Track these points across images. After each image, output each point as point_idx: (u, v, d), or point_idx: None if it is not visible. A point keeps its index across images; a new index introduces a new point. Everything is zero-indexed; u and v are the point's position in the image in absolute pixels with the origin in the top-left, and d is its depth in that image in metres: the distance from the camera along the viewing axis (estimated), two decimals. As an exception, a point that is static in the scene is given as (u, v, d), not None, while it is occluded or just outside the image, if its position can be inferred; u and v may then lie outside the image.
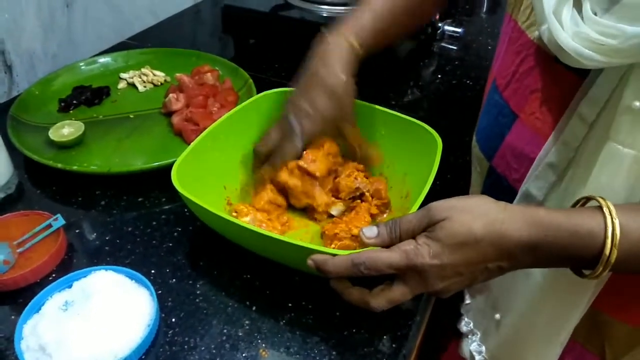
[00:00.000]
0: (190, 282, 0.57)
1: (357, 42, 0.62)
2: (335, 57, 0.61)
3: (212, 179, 0.63)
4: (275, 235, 0.49)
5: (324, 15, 0.95)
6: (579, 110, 0.45)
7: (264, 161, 0.64)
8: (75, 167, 0.67)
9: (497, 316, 0.57)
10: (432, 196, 0.54)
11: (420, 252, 0.43)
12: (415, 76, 0.99)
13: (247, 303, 0.55)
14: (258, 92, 0.81)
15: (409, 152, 0.65)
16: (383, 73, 0.95)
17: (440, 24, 1.08)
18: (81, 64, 0.89)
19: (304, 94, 0.61)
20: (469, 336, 0.62)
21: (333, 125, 0.63)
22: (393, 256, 0.44)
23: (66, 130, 0.74)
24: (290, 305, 0.55)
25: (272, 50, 1.01)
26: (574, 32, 0.41)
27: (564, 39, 0.42)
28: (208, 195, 0.61)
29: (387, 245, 0.46)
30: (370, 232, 0.47)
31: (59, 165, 0.67)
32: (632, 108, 0.41)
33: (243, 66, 0.89)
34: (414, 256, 0.43)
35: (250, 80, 0.85)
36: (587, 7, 0.41)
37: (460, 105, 0.90)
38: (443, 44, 1.10)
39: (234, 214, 0.61)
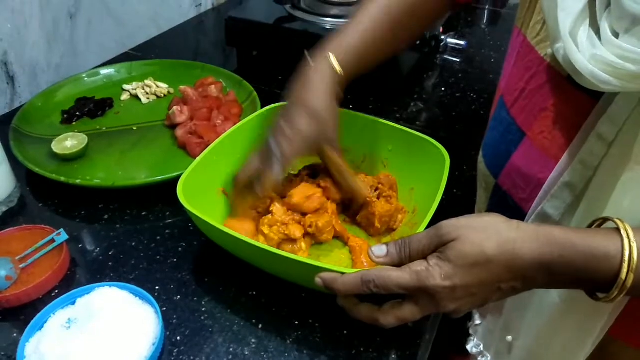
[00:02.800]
0: (196, 298, 0.56)
1: (339, 66, 0.59)
2: (317, 80, 0.58)
3: (217, 193, 0.63)
4: (281, 252, 0.49)
5: (327, 27, 0.95)
6: (597, 129, 0.44)
7: (243, 189, 0.59)
8: (78, 181, 0.67)
9: (509, 338, 0.56)
10: (439, 211, 0.54)
11: (432, 273, 0.42)
12: (419, 89, 0.99)
13: (254, 321, 0.54)
14: (262, 104, 0.81)
15: (416, 167, 0.65)
16: (387, 85, 0.95)
17: (443, 37, 1.08)
18: (84, 76, 0.89)
19: (285, 116, 0.58)
20: (479, 358, 0.61)
21: (314, 148, 0.59)
22: (404, 276, 0.43)
23: (69, 142, 0.73)
24: (297, 323, 0.54)
25: (275, 62, 1.01)
26: (591, 55, 0.40)
27: (581, 62, 0.40)
28: (213, 210, 0.60)
29: (397, 265, 0.45)
30: (379, 251, 0.46)
31: (62, 179, 0.66)
32: None
33: (247, 78, 0.89)
34: (425, 278, 0.42)
35: (255, 93, 0.84)
36: (605, 27, 0.40)
37: (465, 119, 0.90)
38: (446, 56, 1.10)
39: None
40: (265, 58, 1.02)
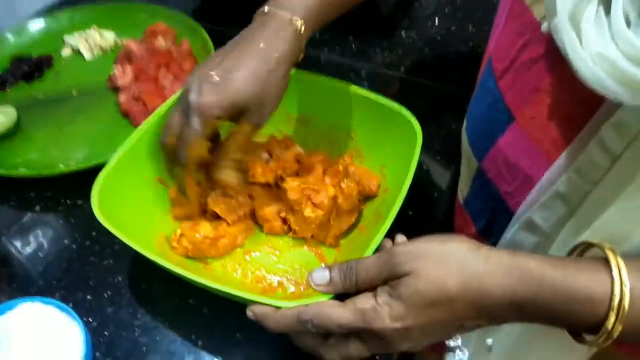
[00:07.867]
0: (130, 310, 0.50)
1: (302, 24, 0.48)
2: (277, 36, 0.47)
3: (153, 183, 0.53)
4: (212, 284, 0.41)
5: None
6: (601, 135, 0.33)
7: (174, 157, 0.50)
8: (0, 171, 0.59)
9: (489, 341, 0.51)
10: (415, 188, 0.47)
11: (380, 314, 0.35)
12: (409, 21, 0.84)
13: (193, 337, 0.48)
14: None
15: (385, 140, 0.55)
16: (369, 17, 0.81)
17: (440, -48, 0.91)
18: (15, 29, 0.77)
19: (221, 57, 0.46)
20: (457, 351, 0.55)
21: (237, 114, 0.47)
22: (346, 316, 0.36)
23: (-3, 118, 0.64)
24: (240, 337, 0.48)
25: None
26: (597, 53, 0.29)
27: (581, 61, 0.29)
28: (148, 212, 0.51)
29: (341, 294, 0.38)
30: (320, 278, 0.39)
31: (-19, 167, 0.59)
32: None
33: (207, 17, 0.76)
34: (371, 319, 0.35)
35: (210, 43, 0.72)
36: (618, 10, 0.28)
37: (459, 61, 0.77)
38: (444, -23, 0.94)
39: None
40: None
